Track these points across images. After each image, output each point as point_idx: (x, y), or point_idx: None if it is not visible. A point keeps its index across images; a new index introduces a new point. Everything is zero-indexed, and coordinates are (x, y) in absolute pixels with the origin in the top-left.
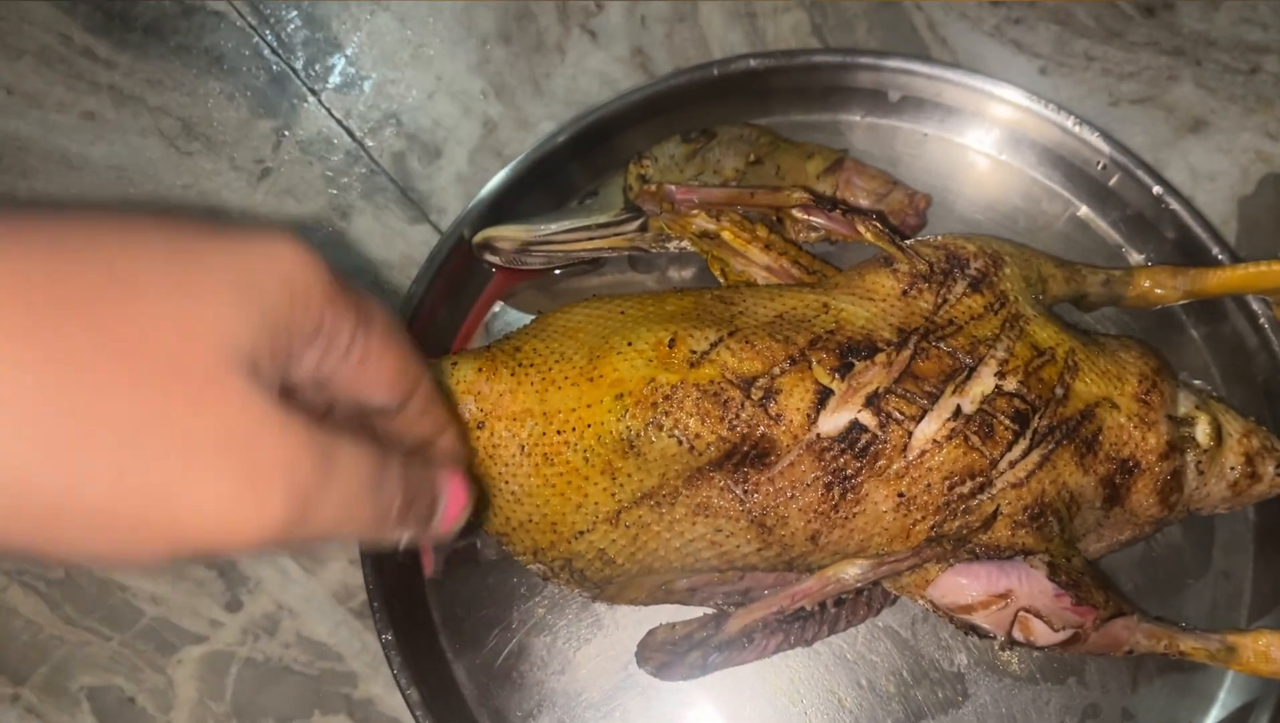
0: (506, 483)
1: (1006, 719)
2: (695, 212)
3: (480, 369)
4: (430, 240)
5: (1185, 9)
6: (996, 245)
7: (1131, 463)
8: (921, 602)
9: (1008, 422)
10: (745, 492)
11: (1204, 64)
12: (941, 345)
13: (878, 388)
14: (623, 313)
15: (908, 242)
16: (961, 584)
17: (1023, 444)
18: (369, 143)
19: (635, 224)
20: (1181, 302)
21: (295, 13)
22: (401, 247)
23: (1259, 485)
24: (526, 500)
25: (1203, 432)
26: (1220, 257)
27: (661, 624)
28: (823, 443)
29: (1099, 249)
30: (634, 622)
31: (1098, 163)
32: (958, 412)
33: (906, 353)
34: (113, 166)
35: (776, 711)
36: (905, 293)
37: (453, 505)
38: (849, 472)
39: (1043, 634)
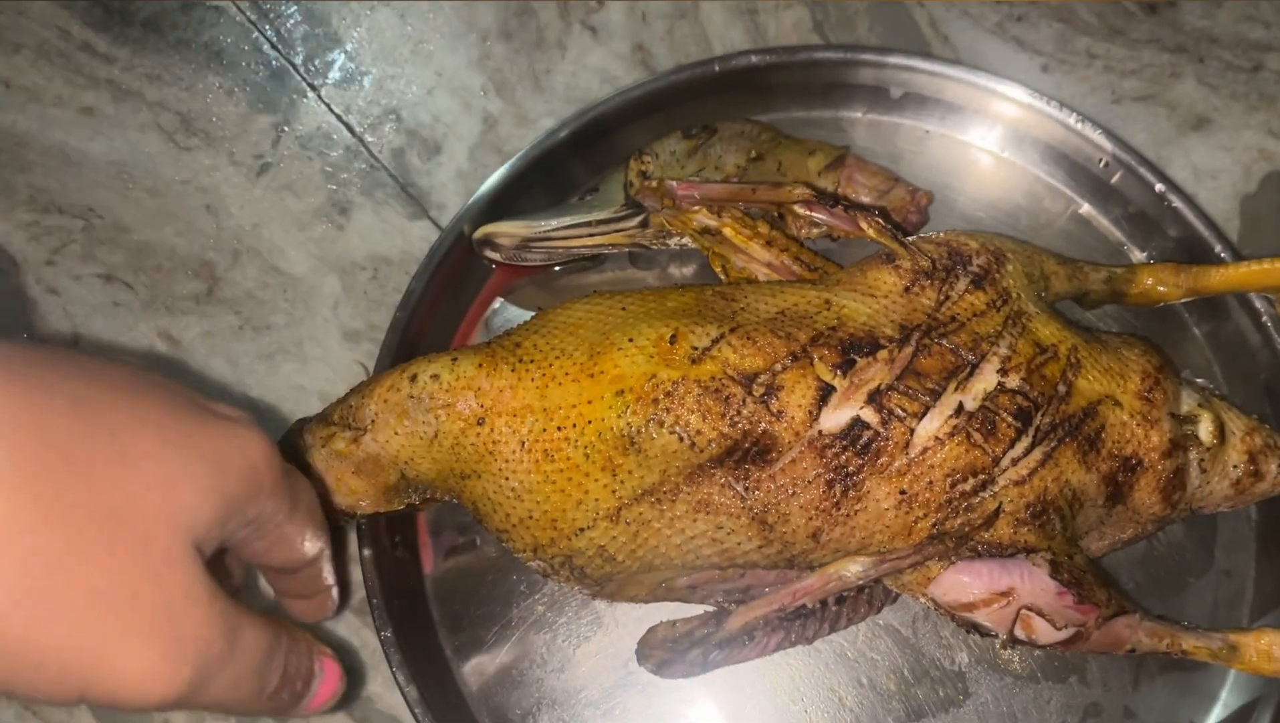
0: (506, 479)
1: (1007, 718)
2: (696, 208)
3: (481, 365)
4: (430, 236)
5: (1188, 6)
6: (999, 242)
7: (1134, 461)
8: (923, 600)
9: (1010, 419)
10: (746, 489)
11: (1206, 61)
12: (944, 342)
13: (880, 385)
14: (624, 309)
15: (910, 238)
16: (963, 582)
17: (1025, 442)
18: (369, 138)
19: (636, 220)
20: (1184, 300)
21: (295, 8)
22: (401, 242)
23: (1261, 484)
24: (527, 497)
25: (1206, 430)
26: (1223, 254)
27: (662, 622)
28: (824, 440)
29: (1101, 247)
30: (634, 619)
31: (1100, 160)
32: (960, 409)
33: (909, 350)
34: (112, 162)
35: (777, 708)
36: (907, 290)
37: (325, 688)
38: (851, 469)
39: (1045, 633)
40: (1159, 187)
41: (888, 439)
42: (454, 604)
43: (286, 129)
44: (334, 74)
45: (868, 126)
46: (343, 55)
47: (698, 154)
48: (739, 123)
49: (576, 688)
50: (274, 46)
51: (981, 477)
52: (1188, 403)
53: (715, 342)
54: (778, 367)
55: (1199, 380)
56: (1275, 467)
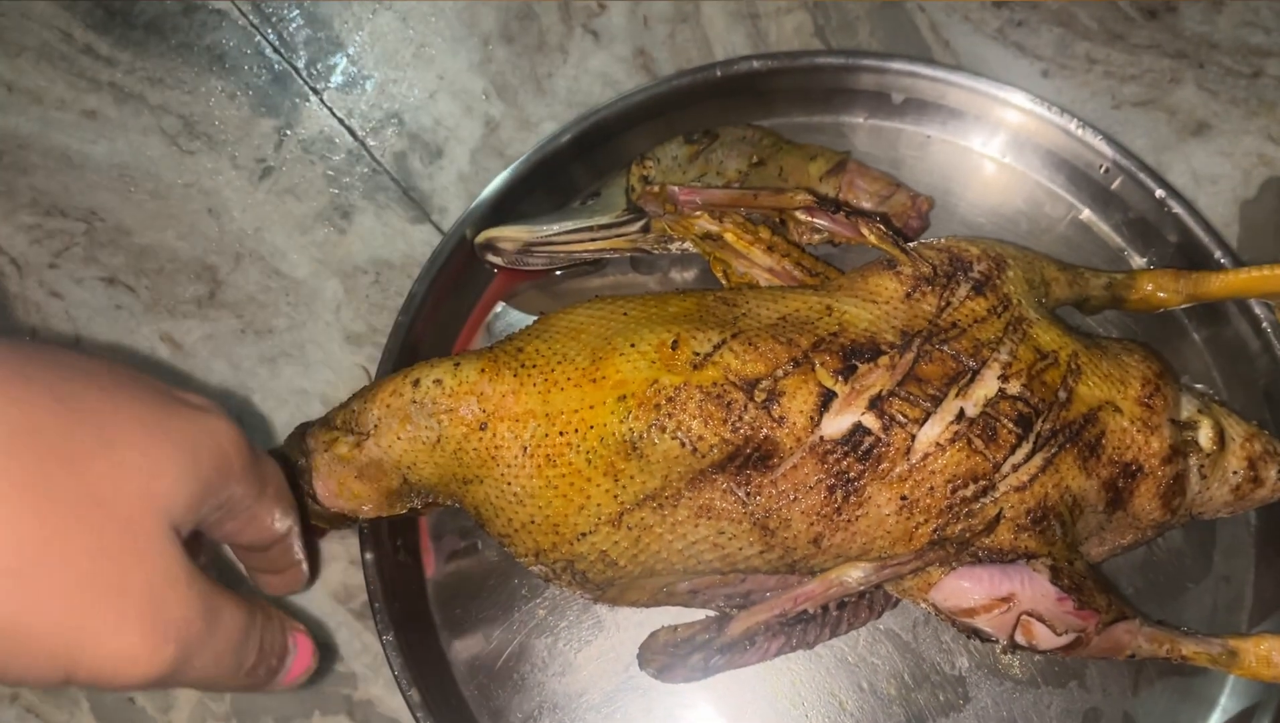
0: (509, 484)
1: None
2: (698, 213)
3: (483, 370)
4: (431, 240)
5: (1188, 12)
6: (1000, 248)
7: (1134, 467)
8: (924, 605)
9: (1011, 425)
10: (748, 494)
11: (1206, 67)
12: (945, 348)
13: (881, 391)
14: (625, 314)
15: (911, 244)
16: (964, 588)
17: (1026, 448)
18: (371, 142)
19: (637, 225)
20: (1184, 305)
21: (297, 11)
22: (403, 246)
23: (1261, 490)
24: (529, 502)
25: (1205, 436)
26: (1223, 260)
27: (664, 627)
28: (826, 445)
29: (1101, 252)
30: (635, 624)
31: (1100, 166)
32: (961, 415)
33: (910, 356)
34: (114, 165)
35: (778, 713)
36: (908, 295)
37: (299, 663)
38: (852, 474)
39: (1045, 638)
40: (1159, 192)
41: (889, 445)
42: (455, 608)
43: (289, 132)
44: (336, 78)
45: (869, 132)
46: (345, 59)
47: (699, 159)
48: (740, 128)
49: (578, 692)
50: (276, 50)
51: (982, 483)
52: (1188, 409)
53: (717, 347)
54: (779, 372)
55: (1198, 386)
56: (1275, 473)
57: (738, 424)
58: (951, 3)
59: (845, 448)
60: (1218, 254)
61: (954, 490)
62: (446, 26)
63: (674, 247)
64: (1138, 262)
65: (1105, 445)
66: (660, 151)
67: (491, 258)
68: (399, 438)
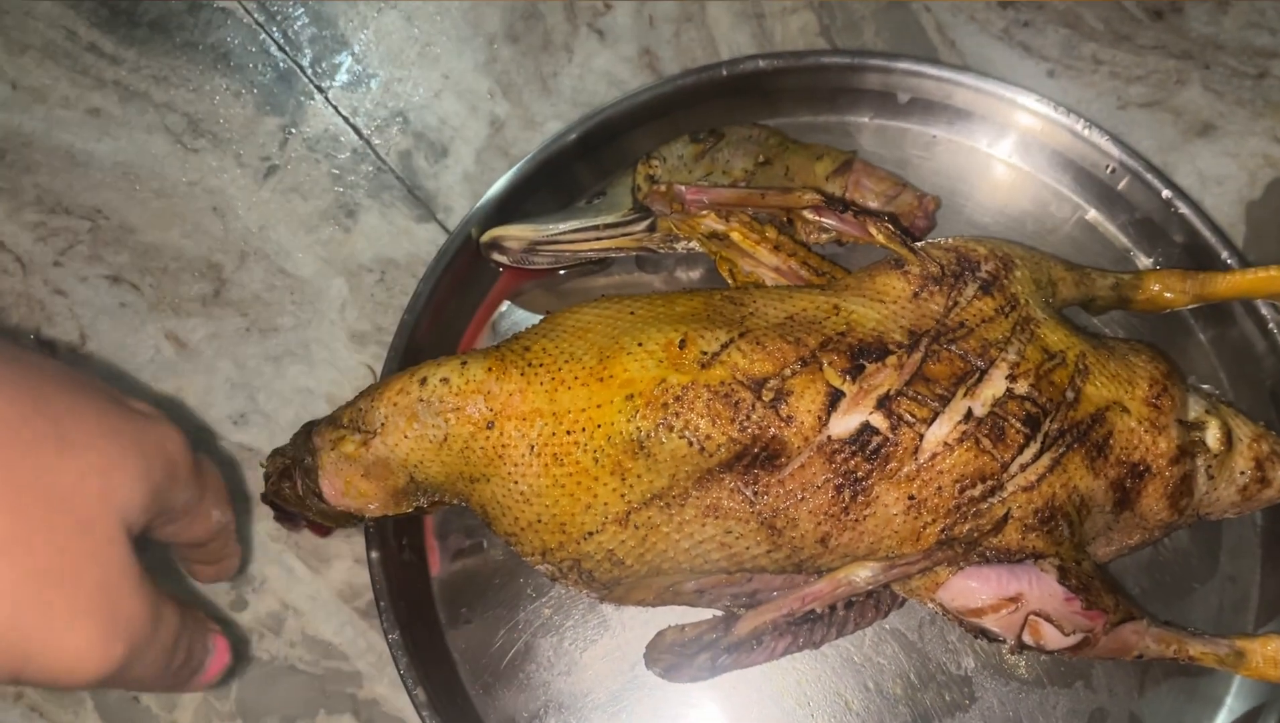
0: (516, 483)
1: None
2: (704, 212)
3: (490, 369)
4: (437, 239)
5: (1193, 12)
6: (1007, 248)
7: (1142, 467)
8: (931, 605)
9: (1019, 425)
10: (755, 493)
11: (1212, 68)
12: (953, 348)
13: (889, 390)
14: (632, 313)
15: (918, 244)
16: (972, 588)
17: (1034, 447)
18: (376, 141)
19: (643, 224)
20: (1190, 306)
21: (302, 10)
22: (408, 245)
23: (1268, 490)
24: (535, 501)
25: (1213, 436)
26: (1229, 261)
27: (670, 626)
28: (833, 445)
29: (1107, 252)
30: (640, 623)
31: (1106, 166)
32: (969, 415)
33: (918, 355)
34: (118, 163)
35: (784, 712)
36: (916, 295)
37: (216, 663)
38: (860, 474)
39: (1053, 638)
40: (1165, 193)
41: (897, 445)
42: (461, 607)
43: (294, 131)
44: (341, 76)
45: (875, 131)
46: (350, 58)
47: (705, 158)
48: (746, 127)
49: (583, 691)
50: (281, 48)
51: (990, 482)
52: (1195, 409)
53: (725, 347)
54: (787, 372)
55: (1205, 387)
56: None
57: (745, 423)
58: (958, 2)
59: (853, 448)
60: (1224, 255)
61: (962, 490)
62: (451, 26)
63: (679, 246)
64: (1144, 262)
65: (1113, 446)
66: (666, 151)
67: (497, 257)
68: (406, 436)
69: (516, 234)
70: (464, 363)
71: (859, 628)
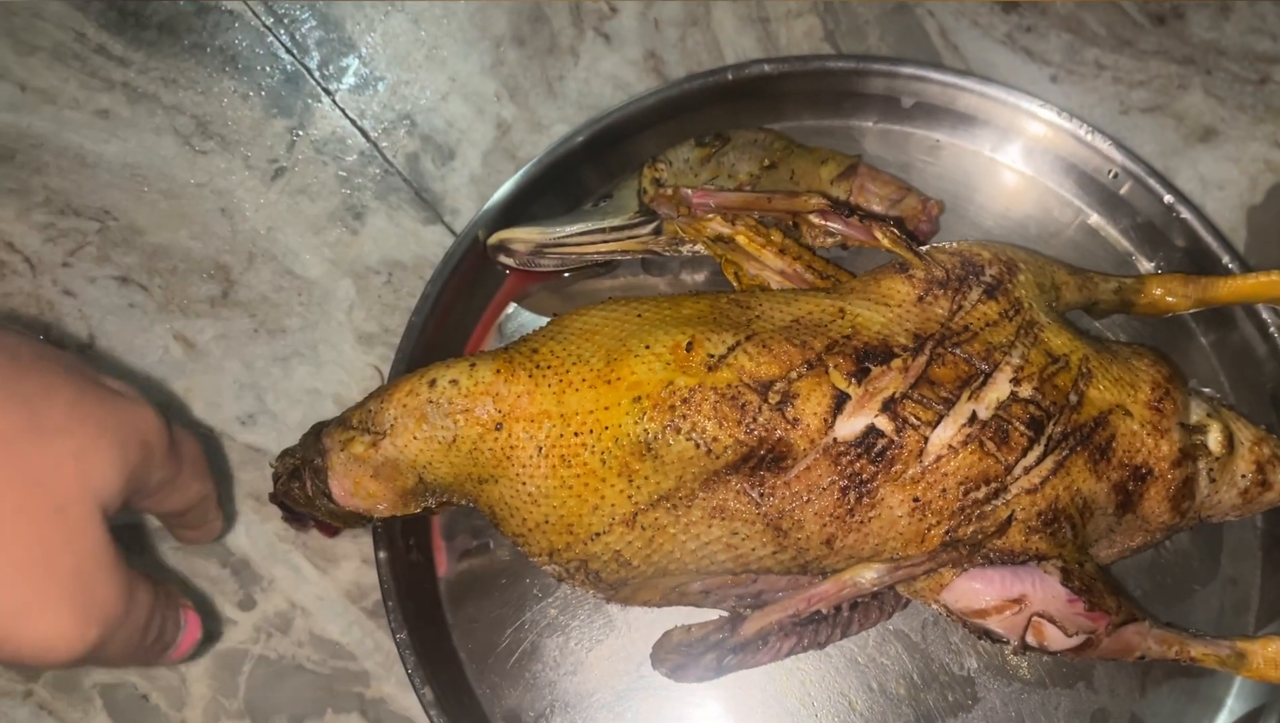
0: (524, 484)
1: None
2: (710, 216)
3: (498, 371)
4: (443, 241)
5: (1195, 18)
6: (1011, 253)
7: (1144, 470)
8: (935, 606)
9: (1023, 428)
10: (761, 495)
11: (1214, 73)
12: (957, 351)
13: (894, 393)
14: (639, 316)
15: (923, 248)
16: (976, 589)
17: (1037, 450)
18: (383, 143)
19: (649, 227)
20: (1191, 310)
21: (310, 12)
22: (415, 247)
23: (1269, 493)
24: (543, 502)
25: (1215, 439)
26: (1230, 265)
27: (677, 626)
28: (839, 447)
29: (1109, 257)
30: (646, 623)
31: (1109, 171)
32: (973, 417)
33: (922, 358)
34: (126, 164)
35: (788, 712)
36: (921, 299)
37: (188, 638)
38: (865, 476)
39: (1056, 640)
40: (1167, 198)
41: (902, 447)
42: (467, 607)
43: (301, 133)
44: (348, 79)
45: (879, 136)
46: (357, 60)
47: (711, 162)
48: (751, 131)
49: (589, 691)
50: (289, 51)
51: (994, 485)
52: (1197, 413)
53: (731, 349)
54: (793, 374)
55: (1207, 390)
56: None
57: (752, 426)
58: (962, 5)
59: (858, 450)
60: (1225, 259)
61: (966, 492)
62: (458, 29)
63: (685, 249)
64: (1145, 266)
65: (1116, 449)
66: (672, 154)
67: (504, 259)
68: (415, 438)
69: (523, 236)
70: (472, 365)
71: (864, 629)
